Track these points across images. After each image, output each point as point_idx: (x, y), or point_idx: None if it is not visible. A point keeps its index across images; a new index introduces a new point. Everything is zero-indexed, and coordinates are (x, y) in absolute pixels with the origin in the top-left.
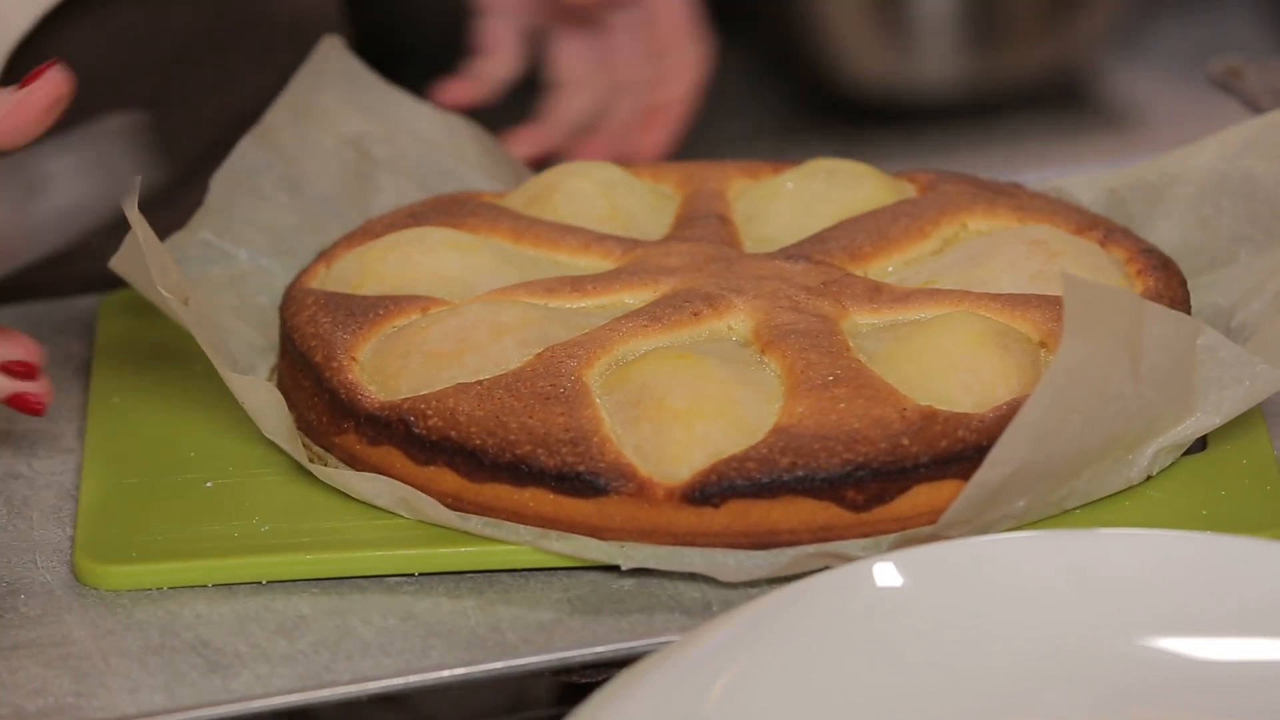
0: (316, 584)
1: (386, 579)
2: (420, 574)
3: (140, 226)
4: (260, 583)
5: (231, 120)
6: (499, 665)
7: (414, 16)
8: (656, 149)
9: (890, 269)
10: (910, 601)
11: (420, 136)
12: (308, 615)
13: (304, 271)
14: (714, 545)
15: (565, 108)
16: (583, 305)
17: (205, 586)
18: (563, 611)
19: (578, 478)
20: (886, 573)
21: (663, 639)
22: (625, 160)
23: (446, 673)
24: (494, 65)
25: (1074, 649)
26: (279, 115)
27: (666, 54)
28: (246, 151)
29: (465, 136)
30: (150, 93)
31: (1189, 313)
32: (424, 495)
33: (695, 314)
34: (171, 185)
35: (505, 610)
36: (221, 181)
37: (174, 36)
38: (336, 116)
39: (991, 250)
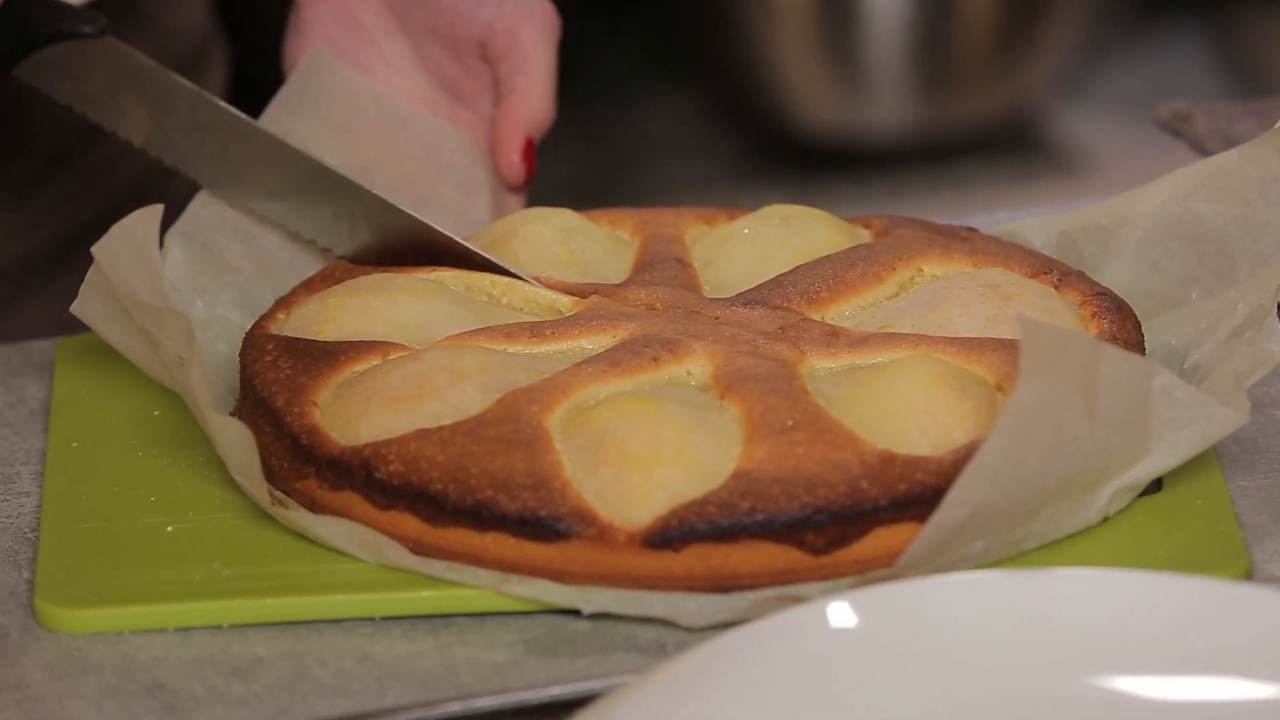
0: (274, 626)
1: (343, 621)
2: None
3: (153, 271)
4: (219, 626)
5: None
6: (455, 706)
7: None
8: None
9: (847, 313)
10: (864, 641)
11: (403, 156)
12: (264, 657)
13: (263, 317)
14: (675, 589)
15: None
16: (542, 350)
17: (163, 630)
18: (518, 653)
19: (539, 522)
20: (840, 613)
21: (618, 680)
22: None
23: (403, 714)
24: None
25: (1030, 689)
26: None
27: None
28: (200, 205)
29: (453, 150)
30: None
31: (1143, 354)
32: (387, 539)
33: (654, 359)
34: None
35: (462, 651)
36: (176, 234)
37: None
38: (309, 147)
39: (947, 294)
